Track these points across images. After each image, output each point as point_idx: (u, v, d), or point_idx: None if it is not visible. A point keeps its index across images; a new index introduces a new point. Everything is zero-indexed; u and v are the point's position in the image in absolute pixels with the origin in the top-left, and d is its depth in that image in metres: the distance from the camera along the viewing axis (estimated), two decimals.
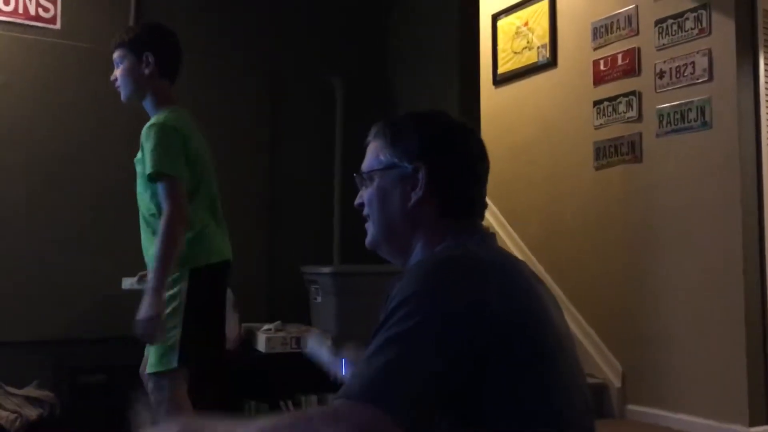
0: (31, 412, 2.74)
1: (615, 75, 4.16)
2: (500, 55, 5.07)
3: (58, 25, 3.26)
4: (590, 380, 3.99)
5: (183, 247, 2.09)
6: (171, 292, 2.13)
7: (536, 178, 4.67)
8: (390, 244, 1.21)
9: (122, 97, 2.27)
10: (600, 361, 4.09)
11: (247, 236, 3.57)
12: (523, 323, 0.99)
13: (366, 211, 1.22)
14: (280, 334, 3.19)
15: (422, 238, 1.17)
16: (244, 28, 3.74)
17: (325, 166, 3.78)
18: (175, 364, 2.11)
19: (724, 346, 3.50)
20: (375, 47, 4.08)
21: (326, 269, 3.44)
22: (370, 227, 1.22)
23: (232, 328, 3.15)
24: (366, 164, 1.22)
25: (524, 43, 4.87)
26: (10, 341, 3.00)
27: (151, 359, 2.14)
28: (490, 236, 1.18)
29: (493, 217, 4.90)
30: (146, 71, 2.21)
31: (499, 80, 5.05)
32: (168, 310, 2.11)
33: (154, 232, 2.14)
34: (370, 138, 1.23)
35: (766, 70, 3.58)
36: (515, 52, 4.95)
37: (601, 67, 4.26)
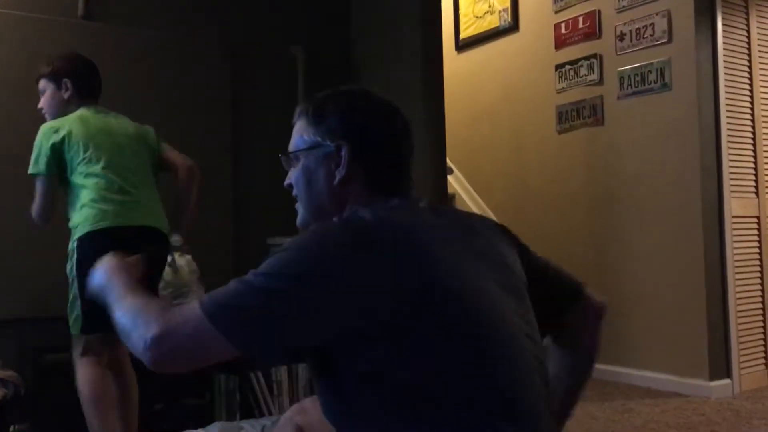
0: None
1: (576, 38, 4.17)
2: (462, 20, 5.05)
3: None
4: None
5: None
6: (68, 267, 2.43)
7: (500, 142, 4.69)
8: (329, 221, 1.21)
9: (47, 119, 2.57)
10: None
11: (211, 209, 3.53)
12: (416, 294, 0.99)
13: (295, 191, 1.23)
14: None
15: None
16: None
17: (287, 136, 3.73)
18: (77, 330, 2.42)
19: (684, 304, 3.59)
20: (337, 16, 4.02)
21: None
22: (299, 207, 1.23)
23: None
24: (291, 144, 1.23)
25: (486, 7, 4.85)
26: None
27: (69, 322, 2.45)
28: (414, 205, 1.17)
29: (457, 183, 4.92)
30: (65, 95, 2.56)
31: (462, 45, 5.03)
32: (69, 283, 2.43)
33: (70, 203, 2.48)
34: (294, 118, 1.23)
35: (724, 31, 3.62)
36: (477, 17, 4.92)
37: (563, 31, 4.26)
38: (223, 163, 3.61)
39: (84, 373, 2.40)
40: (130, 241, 2.36)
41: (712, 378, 3.49)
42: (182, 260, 3.09)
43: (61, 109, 2.55)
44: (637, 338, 3.81)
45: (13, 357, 2.96)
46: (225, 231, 3.59)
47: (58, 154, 2.43)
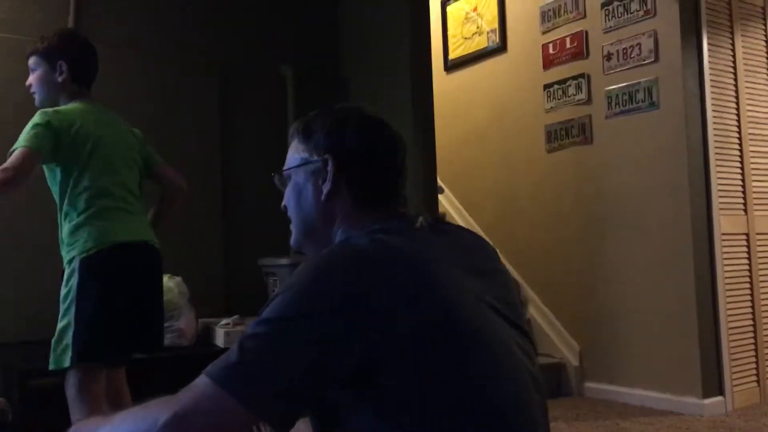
0: None
1: (564, 58, 4.21)
2: (450, 41, 5.08)
3: None
4: (548, 360, 4.05)
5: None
6: (64, 291, 2.19)
7: (489, 162, 4.71)
8: (311, 242, 1.21)
9: (36, 102, 2.35)
10: (557, 340, 4.16)
11: (202, 231, 3.52)
12: (416, 318, 0.96)
13: (288, 212, 1.23)
14: (239, 327, 3.15)
15: (340, 229, 1.16)
16: (191, 15, 3.66)
17: (278, 157, 3.74)
18: (67, 363, 2.15)
19: (676, 322, 3.59)
20: (326, 35, 4.04)
21: (284, 260, 3.41)
22: (292, 228, 1.23)
23: (189, 323, 3.10)
24: (285, 165, 1.23)
25: (474, 28, 4.89)
26: None
27: (51, 356, 2.20)
28: (406, 223, 1.14)
29: (447, 202, 4.93)
30: (59, 79, 2.31)
31: (450, 66, 5.06)
32: (62, 308, 2.18)
33: (66, 216, 2.23)
34: (289, 139, 1.23)
35: (709, 50, 3.66)
36: (465, 38, 4.96)
37: (550, 51, 4.30)
38: (213, 184, 3.60)
39: (87, 411, 2.16)
40: (130, 258, 2.26)
41: (705, 395, 3.48)
42: (172, 282, 3.07)
43: (54, 93, 2.32)
44: (629, 356, 3.80)
45: None
46: (216, 252, 3.57)
47: (59, 139, 2.16)
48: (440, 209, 4.58)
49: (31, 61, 2.35)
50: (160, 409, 0.91)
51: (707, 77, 3.64)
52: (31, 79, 2.36)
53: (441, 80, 4.84)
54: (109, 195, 2.25)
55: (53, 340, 2.22)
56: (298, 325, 0.94)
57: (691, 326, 3.52)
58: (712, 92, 3.66)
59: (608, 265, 3.94)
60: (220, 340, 3.11)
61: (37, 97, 2.36)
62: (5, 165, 2.08)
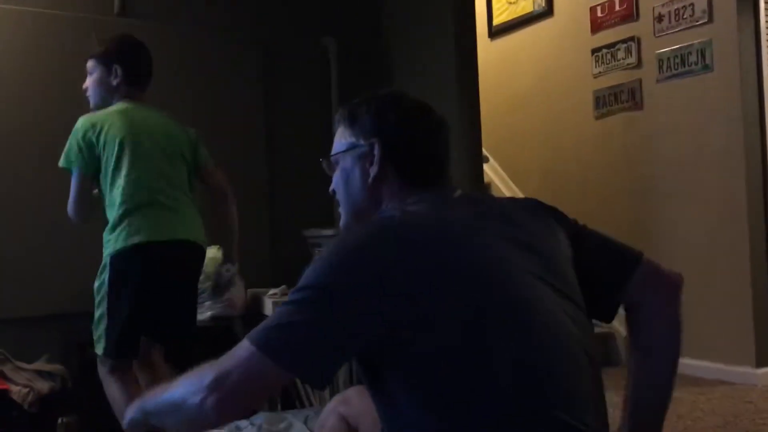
0: (43, 386, 2.76)
1: (613, 21, 4.09)
2: (495, 6, 4.99)
3: None
4: (596, 329, 3.99)
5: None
6: (97, 284, 2.33)
7: (535, 130, 4.63)
8: (360, 224, 1.22)
9: (91, 104, 2.47)
10: None
11: (248, 203, 3.55)
12: (446, 286, 0.99)
13: (337, 195, 1.26)
14: (286, 297, 3.19)
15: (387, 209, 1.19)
16: None
17: (322, 128, 3.74)
18: (101, 352, 2.33)
19: (729, 292, 3.51)
20: (367, 5, 4.00)
21: (329, 231, 3.43)
22: (341, 211, 1.26)
23: (239, 294, 3.15)
24: (332, 150, 1.26)
25: None
26: (18, 317, 3.01)
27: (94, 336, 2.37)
28: (442, 196, 1.18)
29: (492, 171, 4.87)
30: (114, 82, 2.43)
31: (495, 32, 4.97)
32: (97, 299, 2.33)
33: (106, 214, 2.37)
34: (335, 126, 1.27)
35: (766, 9, 3.51)
36: (510, 3, 4.86)
37: (599, 14, 4.18)
38: (257, 156, 3.63)
39: (114, 389, 2.34)
40: (165, 257, 2.32)
41: (759, 365, 3.41)
42: (221, 253, 3.12)
43: (108, 96, 2.44)
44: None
45: (59, 351, 3.03)
46: (262, 224, 3.61)
47: (91, 151, 2.31)
48: (485, 179, 4.54)
49: (89, 64, 2.47)
50: (204, 372, 0.99)
51: (764, 37, 3.50)
52: (88, 82, 2.48)
53: (485, 47, 4.75)
54: (145, 192, 2.32)
55: (93, 324, 2.36)
56: (332, 290, 0.99)
57: (745, 294, 3.44)
58: None
59: (659, 234, 3.86)
60: (268, 310, 3.16)
61: (91, 99, 2.48)
62: (70, 198, 2.35)
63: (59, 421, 2.88)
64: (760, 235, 3.48)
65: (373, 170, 1.18)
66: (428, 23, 3.73)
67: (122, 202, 2.29)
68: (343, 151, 1.23)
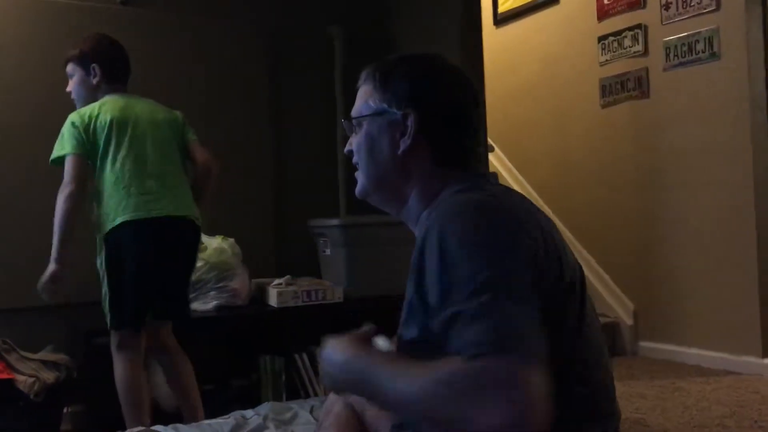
0: (49, 376, 2.76)
1: (619, 8, 4.06)
2: None
3: None
4: (602, 319, 4.00)
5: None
6: (98, 263, 2.45)
7: (542, 119, 4.61)
8: (380, 193, 1.17)
9: (77, 106, 2.53)
10: (611, 300, 4.10)
11: (252, 192, 3.55)
12: (552, 260, 0.98)
13: (355, 159, 1.18)
14: (291, 288, 3.19)
15: (416, 187, 1.11)
16: None
17: (327, 118, 3.73)
18: (108, 325, 2.44)
19: (736, 280, 3.49)
20: None
21: (334, 221, 3.42)
22: (359, 176, 1.18)
23: (243, 284, 3.15)
24: (355, 109, 1.17)
25: None
26: (23, 307, 3.01)
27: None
28: (489, 182, 1.13)
29: (498, 162, 4.85)
30: (94, 81, 2.52)
31: (500, 20, 4.94)
32: (100, 276, 2.45)
33: (96, 196, 2.46)
34: (360, 82, 1.17)
35: None
36: None
37: (605, 1, 4.15)
38: (263, 145, 3.62)
39: (119, 369, 2.44)
40: (158, 232, 2.42)
41: (766, 355, 3.39)
42: (225, 243, 3.12)
43: (91, 95, 2.53)
44: (687, 316, 3.73)
45: (64, 340, 3.04)
46: (266, 214, 3.60)
47: (85, 134, 2.39)
48: (490, 169, 4.52)
49: (68, 68, 2.57)
50: (482, 385, 0.78)
51: None
52: (70, 85, 2.58)
53: (490, 34, 4.72)
54: (137, 171, 2.42)
55: (102, 303, 2.49)
56: (513, 271, 0.88)
57: (752, 284, 3.42)
58: None
59: (665, 223, 3.84)
60: (272, 300, 3.16)
61: (76, 101, 2.56)
62: (64, 180, 2.36)
63: (65, 410, 2.89)
64: (767, 223, 3.46)
65: (405, 143, 1.09)
66: (434, 11, 3.71)
67: (114, 182, 2.39)
68: (371, 115, 1.12)
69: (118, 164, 2.41)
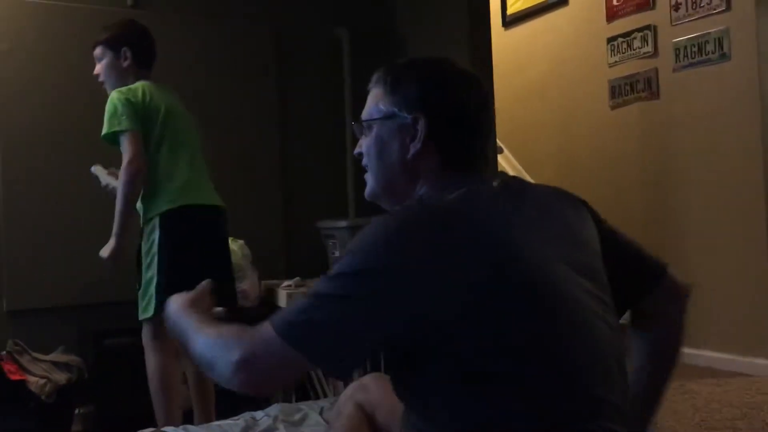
0: (60, 377, 2.78)
1: (628, 9, 4.05)
2: None
3: None
4: None
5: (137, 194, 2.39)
6: (145, 247, 2.41)
7: (550, 120, 4.60)
8: (390, 196, 1.18)
9: (107, 88, 2.51)
10: None
11: (262, 194, 3.56)
12: (486, 278, 0.96)
13: (364, 161, 1.19)
14: (301, 289, 3.20)
15: (424, 189, 1.13)
16: None
17: (335, 120, 3.74)
18: (151, 312, 2.37)
19: (745, 283, 3.47)
20: None
21: (342, 223, 3.43)
22: (369, 178, 1.19)
23: (253, 285, 3.16)
24: (365, 112, 1.18)
25: None
26: (34, 308, 3.04)
27: (139, 307, 2.42)
28: (483, 185, 1.10)
29: (506, 162, 4.85)
30: (124, 64, 2.51)
31: (509, 21, 4.94)
32: (145, 262, 2.40)
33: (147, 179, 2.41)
34: (371, 85, 1.18)
35: None
36: None
37: (614, 2, 4.14)
38: (271, 147, 3.63)
39: (154, 360, 2.41)
40: (202, 217, 2.47)
41: None
42: (235, 245, 3.13)
43: (121, 79, 2.50)
44: (697, 317, 3.67)
45: (75, 342, 3.06)
46: (276, 215, 3.61)
47: (143, 112, 2.38)
48: (498, 169, 4.51)
49: (97, 51, 2.54)
50: (235, 344, 0.99)
51: None
52: (99, 68, 2.54)
53: (499, 36, 4.72)
54: (181, 160, 2.45)
55: (139, 292, 2.42)
56: (362, 286, 0.96)
57: (762, 285, 3.40)
58: None
59: (675, 225, 3.83)
60: (282, 302, 3.17)
61: (106, 83, 2.53)
62: (128, 157, 2.32)
63: (76, 411, 2.91)
64: None
65: (415, 146, 1.10)
66: (442, 12, 3.71)
67: (165, 168, 2.41)
68: (381, 119, 1.14)
69: (169, 149, 2.43)
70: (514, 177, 1.19)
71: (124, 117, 2.34)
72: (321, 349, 0.95)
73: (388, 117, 1.13)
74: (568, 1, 4.48)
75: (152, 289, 2.38)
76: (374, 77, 1.18)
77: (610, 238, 1.19)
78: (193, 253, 2.41)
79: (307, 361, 0.96)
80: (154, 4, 3.40)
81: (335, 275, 0.98)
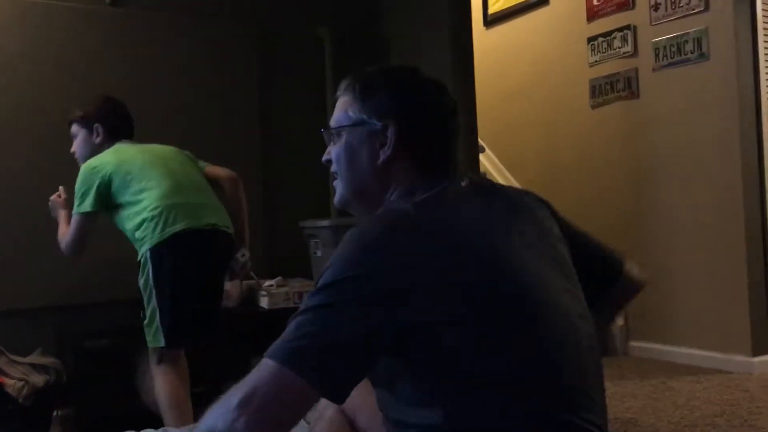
0: (38, 379, 2.75)
1: (609, 9, 4.07)
2: None
3: None
4: None
5: None
6: (141, 281, 2.40)
7: (532, 119, 4.61)
8: (360, 203, 1.18)
9: (79, 164, 2.55)
10: None
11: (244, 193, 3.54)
12: (459, 285, 0.96)
13: (334, 168, 1.19)
14: (283, 289, 3.18)
15: (395, 195, 1.14)
16: None
17: (316, 119, 3.72)
18: (162, 343, 2.38)
19: (725, 280, 3.51)
20: None
21: (325, 222, 3.42)
22: (338, 185, 1.19)
23: (235, 286, 3.14)
24: (334, 119, 1.19)
25: None
26: (11, 309, 2.99)
27: (147, 336, 2.42)
28: (453, 187, 1.11)
29: (488, 162, 4.86)
30: (97, 140, 2.57)
31: (490, 21, 4.95)
32: (145, 296, 2.40)
33: (128, 219, 2.44)
34: (339, 92, 1.19)
35: None
36: None
37: (594, 2, 4.16)
38: (253, 146, 3.61)
39: (163, 381, 2.40)
40: (199, 243, 2.43)
41: (755, 353, 3.41)
42: None
43: (94, 154, 2.54)
44: (676, 314, 3.74)
45: (53, 344, 3.02)
46: (257, 215, 3.58)
47: (106, 189, 2.42)
48: (481, 169, 4.52)
49: (72, 129, 2.61)
50: (231, 395, 0.94)
51: (760, 26, 3.48)
52: (74, 146, 2.62)
53: (480, 36, 4.73)
54: (172, 190, 2.43)
55: (145, 323, 2.41)
56: (348, 293, 0.94)
57: (741, 283, 3.44)
58: (766, 41, 3.50)
59: (655, 223, 3.86)
60: (264, 302, 3.15)
61: (80, 161, 2.57)
62: (70, 237, 2.48)
63: (54, 414, 2.88)
64: (756, 223, 3.47)
65: (385, 153, 1.12)
66: (424, 12, 3.71)
67: (151, 204, 2.39)
68: (351, 125, 1.15)
69: (148, 188, 2.41)
70: (481, 177, 1.21)
71: (88, 198, 2.41)
72: (313, 363, 0.92)
73: (357, 124, 1.14)
74: (549, 0, 4.50)
75: (157, 320, 2.39)
76: (342, 84, 1.19)
77: (572, 237, 1.22)
78: (187, 279, 2.41)
79: (307, 384, 0.91)
80: (132, 2, 3.37)
81: (316, 290, 0.97)
